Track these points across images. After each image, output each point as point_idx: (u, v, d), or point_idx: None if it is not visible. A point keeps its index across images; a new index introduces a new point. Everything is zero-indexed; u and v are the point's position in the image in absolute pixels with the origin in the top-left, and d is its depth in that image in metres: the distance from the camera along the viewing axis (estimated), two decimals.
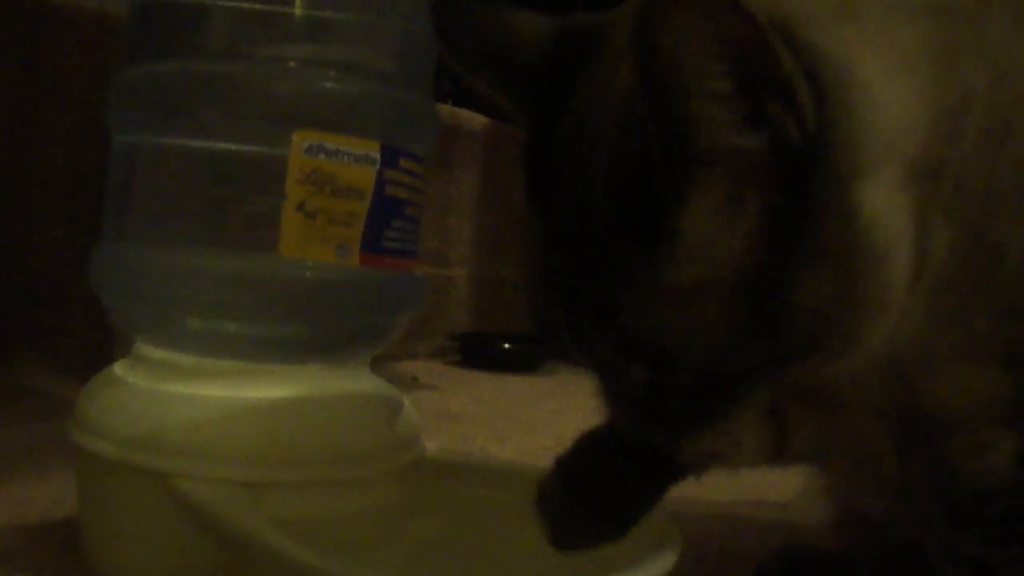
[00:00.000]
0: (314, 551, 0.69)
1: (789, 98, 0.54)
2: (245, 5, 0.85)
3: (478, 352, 2.73)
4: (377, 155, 0.86)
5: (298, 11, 0.86)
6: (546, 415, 2.01)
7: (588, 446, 0.83)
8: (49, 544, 0.95)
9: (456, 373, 2.56)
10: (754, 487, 1.33)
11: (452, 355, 2.77)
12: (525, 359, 2.69)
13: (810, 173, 0.55)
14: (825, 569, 1.02)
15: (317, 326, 0.89)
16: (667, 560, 0.74)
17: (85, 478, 0.89)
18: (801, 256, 0.56)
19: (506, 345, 2.75)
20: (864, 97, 0.57)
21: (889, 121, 0.58)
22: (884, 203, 0.57)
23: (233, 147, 0.84)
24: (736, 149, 0.55)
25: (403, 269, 0.92)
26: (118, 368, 0.91)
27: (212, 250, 0.84)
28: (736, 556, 1.12)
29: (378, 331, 0.95)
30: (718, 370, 0.61)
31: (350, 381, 0.93)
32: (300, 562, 0.68)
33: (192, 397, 0.84)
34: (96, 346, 1.42)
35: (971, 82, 0.62)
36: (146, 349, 0.90)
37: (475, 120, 2.84)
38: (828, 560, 1.03)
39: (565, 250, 0.62)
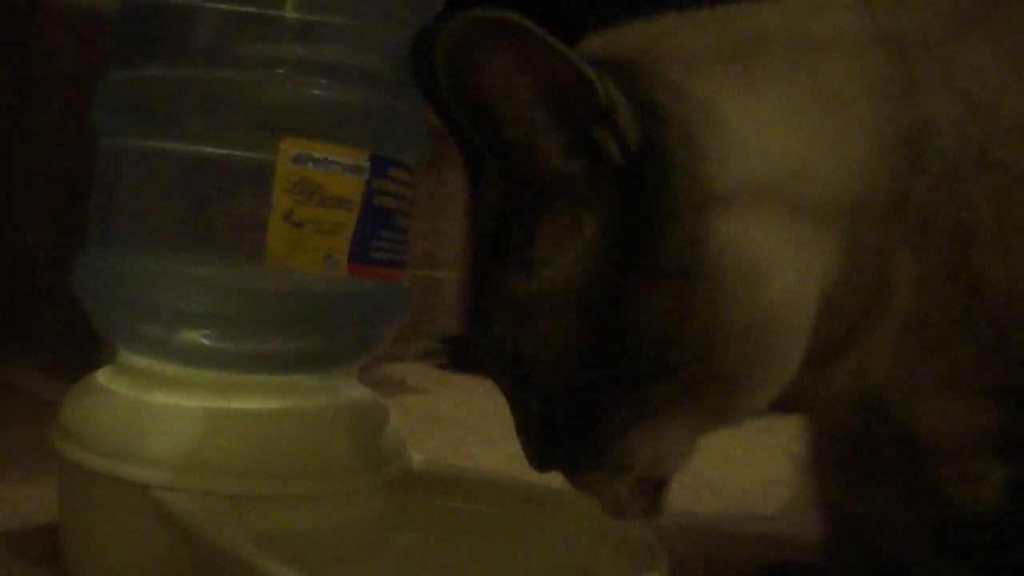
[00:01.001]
0: (295, 566, 0.68)
1: (609, 123, 0.57)
2: (234, 8, 0.83)
3: (467, 356, 2.67)
4: (366, 164, 0.84)
5: (288, 14, 0.84)
6: None
7: None
8: (32, 551, 0.94)
9: (445, 376, 2.54)
10: (742, 499, 1.34)
11: (441, 358, 2.74)
12: None
13: (647, 194, 0.58)
14: None
15: (304, 337, 0.88)
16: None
17: (67, 487, 0.87)
18: (636, 273, 0.57)
19: None
20: (718, 131, 0.59)
21: (754, 157, 0.59)
22: (749, 233, 0.58)
23: (219, 153, 0.82)
24: (564, 172, 0.59)
25: (391, 279, 0.91)
26: (101, 376, 0.89)
27: (197, 258, 0.83)
28: (725, 572, 1.11)
29: (366, 342, 0.94)
30: (572, 390, 0.62)
31: (336, 392, 0.92)
32: None
33: (175, 408, 0.83)
34: (83, 346, 1.40)
35: (932, 113, 0.62)
36: (130, 357, 0.89)
37: None
38: None
39: (474, 267, 0.66)
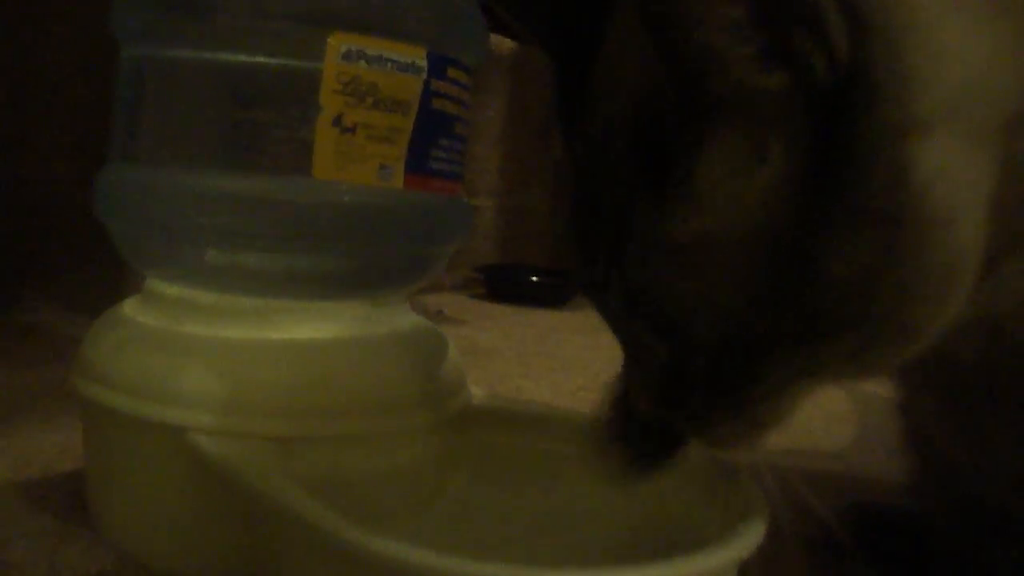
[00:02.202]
0: (349, 516, 0.59)
1: (817, 29, 0.47)
2: None
3: (505, 285, 2.67)
4: (424, 63, 0.75)
5: None
6: (579, 352, 1.95)
7: None
8: (54, 503, 0.87)
9: (482, 307, 2.52)
10: (804, 435, 1.26)
11: (478, 288, 2.71)
12: (553, 293, 2.64)
13: (848, 122, 0.48)
14: (901, 530, 0.96)
15: (355, 257, 0.78)
16: (757, 531, 0.64)
17: (90, 431, 0.80)
18: (836, 216, 0.49)
19: (534, 278, 2.72)
20: (921, 40, 0.48)
21: (954, 71, 0.49)
22: (946, 165, 0.49)
23: (258, 56, 0.73)
24: (755, 88, 0.48)
25: (450, 193, 0.82)
26: (127, 307, 0.82)
27: (234, 172, 0.74)
28: (800, 509, 1.03)
29: (422, 263, 0.85)
30: (732, 343, 0.54)
31: (390, 320, 0.83)
32: (337, 534, 0.58)
33: (211, 340, 0.75)
34: (109, 281, 1.34)
35: None
36: (159, 285, 0.81)
37: (503, 44, 2.76)
38: (904, 520, 0.97)
39: (586, 194, 0.58)
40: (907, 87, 0.47)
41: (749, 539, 0.62)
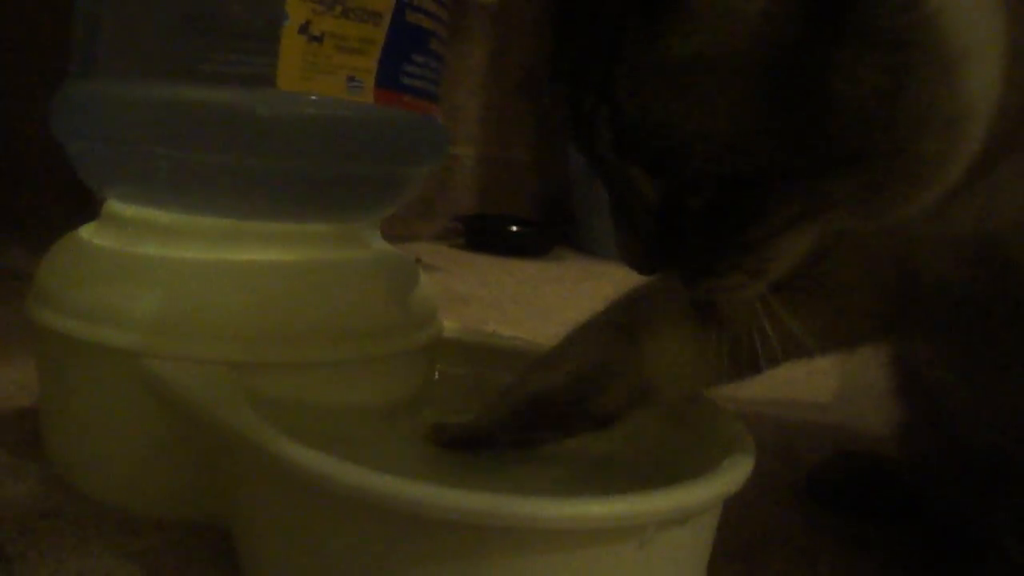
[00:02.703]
0: (307, 443, 0.56)
1: None
2: None
3: (484, 235, 2.64)
4: None
5: None
6: (557, 301, 1.95)
7: None
8: (9, 438, 0.84)
9: (461, 256, 2.49)
10: (787, 386, 1.25)
11: (457, 238, 2.68)
12: (532, 243, 2.64)
13: None
14: (888, 479, 0.94)
15: (321, 174, 0.74)
16: (743, 467, 0.61)
17: (44, 359, 0.77)
18: (843, 34, 0.45)
19: (513, 228, 2.69)
20: None
21: None
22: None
23: None
24: None
25: (423, 111, 0.78)
26: (84, 231, 0.79)
27: (193, 82, 0.69)
28: (786, 458, 1.05)
29: (392, 184, 0.81)
30: (731, 177, 0.51)
31: (357, 245, 0.80)
32: (292, 459, 0.55)
33: (168, 261, 0.72)
34: (75, 226, 1.32)
35: None
36: (117, 207, 0.77)
37: None
38: (890, 469, 0.95)
39: (570, 21, 0.54)
40: None
41: (735, 474, 0.59)
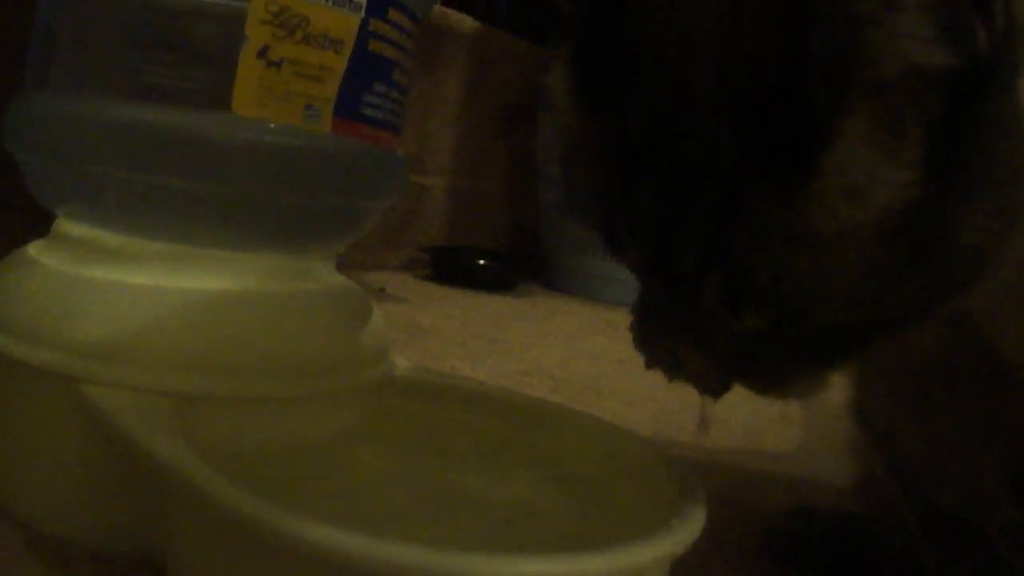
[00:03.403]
0: (243, 484, 0.53)
1: (983, 5, 0.44)
2: None
3: (451, 267, 2.63)
4: (363, 0, 0.70)
5: None
6: (521, 338, 1.94)
7: None
8: None
9: (427, 287, 2.47)
10: (750, 435, 1.27)
11: (423, 268, 2.66)
12: (500, 278, 2.62)
13: (980, 87, 0.45)
14: (849, 535, 0.92)
15: (273, 204, 0.73)
16: (692, 526, 0.59)
17: None
18: (967, 185, 0.46)
19: (481, 262, 2.67)
20: None
21: None
22: None
23: None
24: (920, 67, 0.44)
25: (384, 144, 0.77)
26: (32, 248, 0.76)
27: (148, 101, 0.68)
28: (743, 511, 1.02)
29: (348, 216, 0.79)
30: (853, 321, 0.52)
31: (309, 277, 0.78)
32: (223, 499, 0.53)
33: (113, 284, 0.69)
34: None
35: None
36: (66, 225, 0.75)
37: (464, 23, 2.73)
38: (852, 525, 0.92)
39: (653, 176, 0.51)
40: None
41: (682, 534, 0.58)
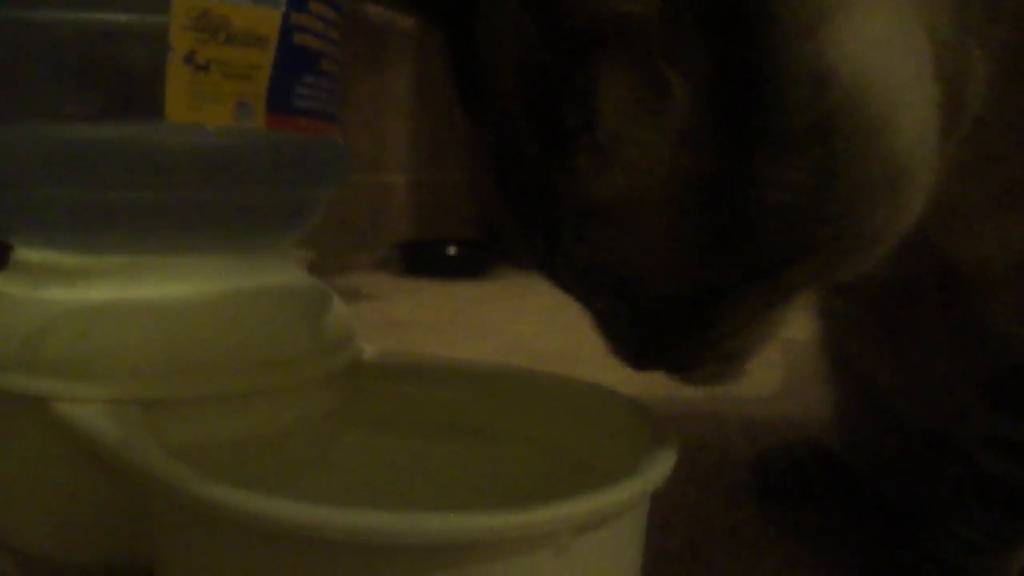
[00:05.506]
0: (224, 481, 0.53)
1: None
2: None
3: (422, 259, 2.63)
4: None
5: None
6: (496, 319, 1.96)
7: None
8: None
9: (401, 282, 2.49)
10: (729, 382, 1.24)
11: (395, 265, 2.65)
12: (472, 264, 2.65)
13: (749, 36, 0.42)
14: (831, 466, 0.95)
15: (219, 203, 0.73)
16: (666, 462, 0.60)
17: None
18: (760, 144, 0.43)
19: (451, 250, 2.69)
20: None
21: None
22: (872, 49, 0.43)
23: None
24: (624, 14, 0.42)
25: (320, 132, 0.77)
26: None
27: (82, 120, 0.68)
28: (725, 456, 1.06)
29: (295, 208, 0.80)
30: (686, 293, 0.51)
31: (265, 273, 0.79)
32: (206, 496, 0.53)
33: (74, 303, 0.70)
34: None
35: None
36: (24, 253, 0.76)
37: (408, 19, 2.71)
38: (834, 456, 0.95)
39: (505, 171, 0.53)
40: None
41: (653, 473, 0.58)
